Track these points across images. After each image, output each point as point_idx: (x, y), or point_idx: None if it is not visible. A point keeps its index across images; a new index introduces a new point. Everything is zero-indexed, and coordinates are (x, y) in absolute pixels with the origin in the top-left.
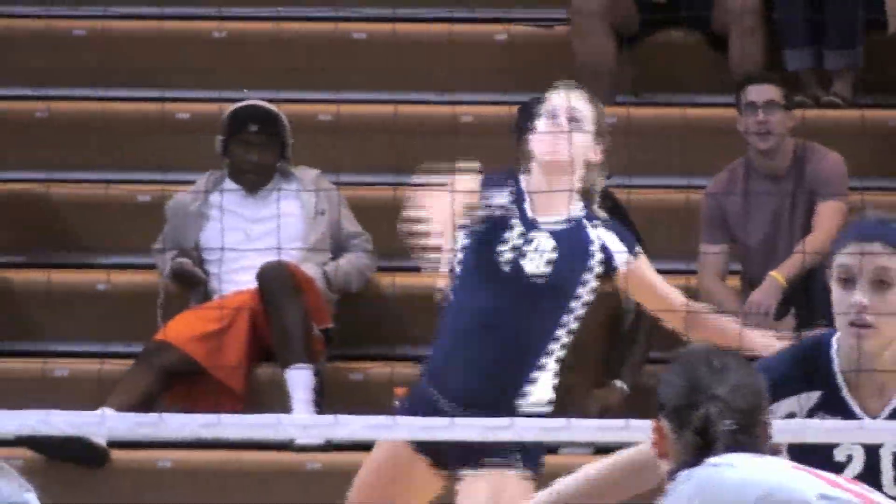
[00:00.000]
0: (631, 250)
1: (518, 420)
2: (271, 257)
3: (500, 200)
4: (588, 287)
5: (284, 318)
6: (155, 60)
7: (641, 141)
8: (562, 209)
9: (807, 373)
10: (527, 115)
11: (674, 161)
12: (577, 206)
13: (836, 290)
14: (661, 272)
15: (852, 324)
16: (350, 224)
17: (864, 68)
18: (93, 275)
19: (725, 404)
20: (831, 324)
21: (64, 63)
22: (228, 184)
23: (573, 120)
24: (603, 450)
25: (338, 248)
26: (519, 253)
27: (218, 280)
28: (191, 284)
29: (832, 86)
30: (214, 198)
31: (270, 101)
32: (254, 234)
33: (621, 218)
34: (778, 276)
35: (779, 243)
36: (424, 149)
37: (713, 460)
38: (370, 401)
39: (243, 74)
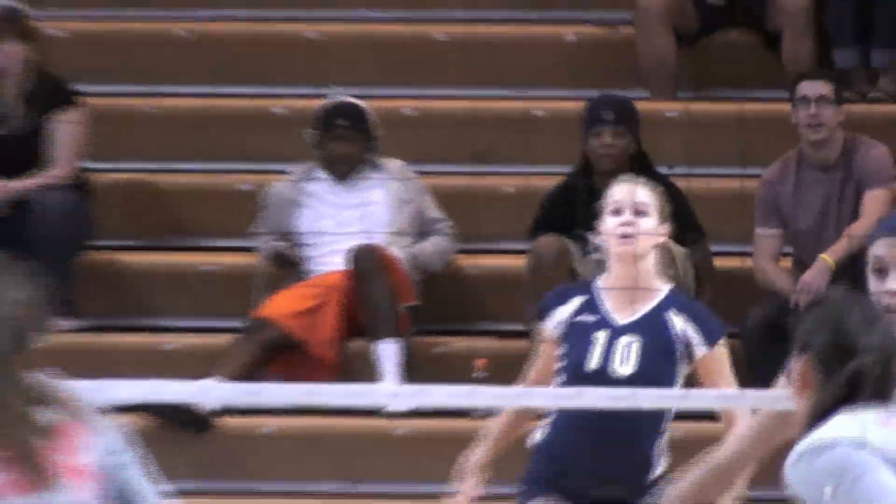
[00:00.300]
0: (711, 342)
1: (639, 391)
2: (360, 241)
3: (574, 313)
4: (681, 371)
5: (374, 295)
6: (254, 60)
7: (701, 133)
8: (641, 301)
9: None
10: (591, 111)
11: (730, 151)
12: (660, 293)
13: (871, 282)
14: (717, 254)
15: (886, 311)
16: (432, 210)
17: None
18: (198, 257)
19: (875, 356)
20: None
21: (172, 62)
22: (320, 174)
23: (639, 212)
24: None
25: (421, 232)
26: (606, 358)
27: (312, 261)
28: (287, 265)
29: (878, 82)
30: (308, 186)
31: (359, 97)
32: (344, 220)
33: (681, 205)
34: (827, 259)
35: (828, 228)
36: (500, 140)
37: (851, 432)
38: (452, 371)
39: (334, 73)
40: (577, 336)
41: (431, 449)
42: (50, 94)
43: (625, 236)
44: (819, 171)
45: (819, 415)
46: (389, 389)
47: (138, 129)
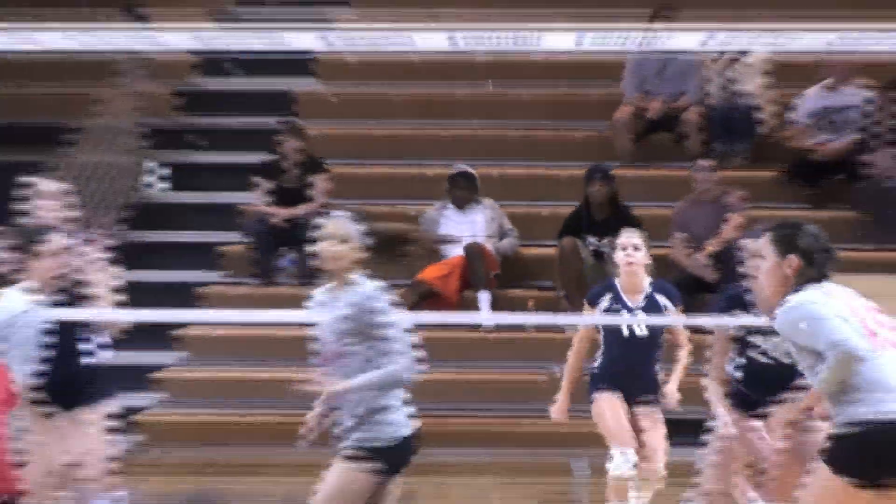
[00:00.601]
0: (674, 303)
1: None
2: (470, 240)
3: (609, 303)
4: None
5: (477, 268)
6: (419, 146)
7: (646, 185)
8: (641, 293)
9: (738, 306)
10: (589, 174)
11: (661, 194)
12: (648, 284)
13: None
14: (652, 246)
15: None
16: (507, 224)
17: (749, 151)
18: None
19: (833, 254)
20: (736, 278)
21: (374, 148)
22: (450, 206)
23: (635, 248)
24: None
25: (501, 235)
26: (631, 328)
27: (445, 250)
28: (433, 252)
29: (735, 160)
30: (443, 212)
31: (469, 166)
32: (461, 230)
33: (632, 219)
34: (709, 249)
35: (709, 234)
36: (542, 189)
37: (812, 297)
38: (516, 307)
39: (456, 153)
40: (610, 314)
41: (508, 350)
42: (311, 164)
43: (628, 263)
44: (705, 204)
45: (802, 286)
46: (485, 316)
47: (358, 183)
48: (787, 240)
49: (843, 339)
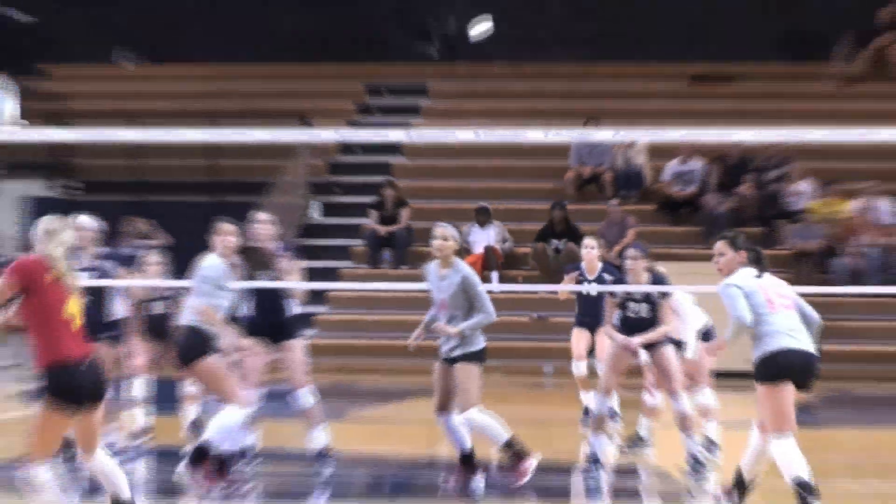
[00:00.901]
0: (614, 279)
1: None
2: (486, 244)
3: (578, 275)
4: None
5: (490, 259)
6: (457, 194)
7: (583, 213)
8: (596, 271)
9: (621, 282)
10: (553, 206)
11: (591, 218)
12: (600, 267)
13: (626, 260)
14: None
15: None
16: (507, 235)
17: (638, 195)
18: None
19: (759, 251)
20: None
21: (437, 189)
22: (476, 225)
23: (592, 248)
24: None
25: (503, 241)
26: (588, 289)
27: (473, 249)
28: (464, 251)
29: (631, 200)
30: (472, 229)
31: (487, 204)
32: (482, 238)
33: (577, 232)
34: (616, 250)
35: (617, 241)
36: (525, 216)
37: (738, 281)
38: (512, 281)
39: (480, 196)
40: (580, 281)
41: (507, 302)
42: (400, 203)
43: (588, 254)
44: (615, 224)
45: (744, 268)
46: (495, 286)
47: (425, 213)
48: (736, 241)
49: (741, 315)
